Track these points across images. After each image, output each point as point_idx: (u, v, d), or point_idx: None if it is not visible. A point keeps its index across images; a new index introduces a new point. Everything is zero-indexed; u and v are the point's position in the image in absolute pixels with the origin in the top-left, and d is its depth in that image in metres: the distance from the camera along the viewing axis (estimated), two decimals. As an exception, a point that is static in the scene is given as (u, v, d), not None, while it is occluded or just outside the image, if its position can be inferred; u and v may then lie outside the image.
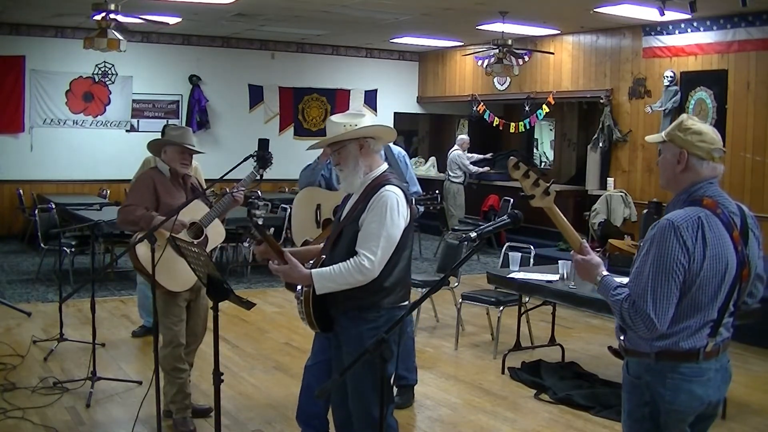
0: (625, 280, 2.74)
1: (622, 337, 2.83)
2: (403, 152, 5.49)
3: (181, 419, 4.69)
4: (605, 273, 2.76)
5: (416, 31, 12.33)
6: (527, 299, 6.59)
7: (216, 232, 4.76)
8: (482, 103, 13.66)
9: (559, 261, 6.07)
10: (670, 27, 10.42)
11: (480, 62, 13.31)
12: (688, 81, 10.23)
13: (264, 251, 3.42)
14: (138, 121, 12.84)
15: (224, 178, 4.53)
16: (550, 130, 15.70)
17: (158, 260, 4.02)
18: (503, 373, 6.09)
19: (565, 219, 2.78)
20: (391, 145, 5.08)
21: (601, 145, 11.41)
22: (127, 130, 12.73)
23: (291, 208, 9.15)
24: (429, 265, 10.85)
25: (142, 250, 4.41)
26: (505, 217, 2.92)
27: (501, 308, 6.58)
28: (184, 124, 12.67)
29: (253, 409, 5.22)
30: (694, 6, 8.02)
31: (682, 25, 10.26)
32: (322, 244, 3.64)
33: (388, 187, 3.34)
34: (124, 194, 9.82)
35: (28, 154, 12.05)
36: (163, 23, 10.51)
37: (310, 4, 9.99)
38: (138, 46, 12.30)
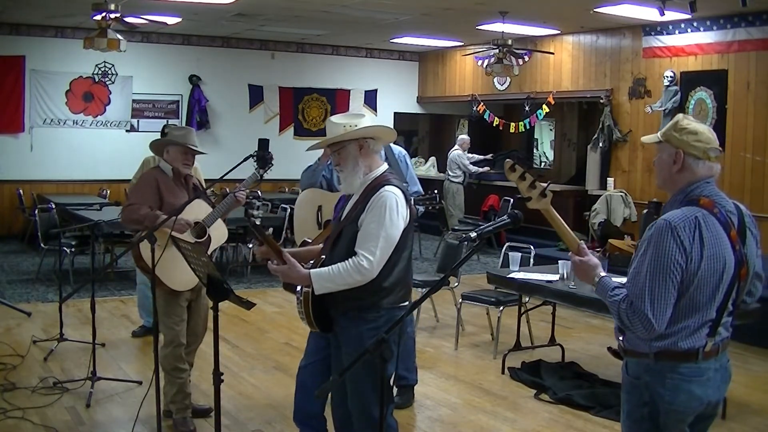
0: (624, 280, 2.74)
1: (621, 338, 2.83)
2: (404, 152, 5.49)
3: (181, 419, 4.69)
4: (603, 274, 2.76)
5: (416, 31, 12.34)
6: (527, 299, 6.60)
7: (219, 233, 4.78)
8: (482, 103, 13.66)
9: (559, 261, 6.07)
10: (670, 27, 10.42)
11: (480, 62, 13.31)
12: (688, 81, 10.24)
13: (265, 251, 3.42)
14: (138, 121, 12.84)
15: (224, 178, 4.54)
16: (550, 130, 15.70)
17: (161, 259, 4.03)
18: (503, 373, 6.09)
19: (562, 220, 2.78)
20: (391, 144, 5.08)
21: (601, 145, 11.41)
22: (127, 130, 12.74)
23: (291, 209, 9.21)
24: (429, 265, 10.86)
25: (147, 249, 4.42)
26: (505, 217, 2.92)
27: (501, 308, 6.58)
28: (184, 124, 12.68)
29: (253, 409, 5.22)
30: (694, 6, 8.03)
31: (682, 25, 10.26)
32: (321, 245, 3.64)
33: (387, 187, 3.34)
34: (124, 194, 9.88)
35: (28, 154, 12.05)
36: (162, 23, 10.51)
37: (310, 4, 9.99)
38: (138, 46, 12.31)
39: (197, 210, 4.63)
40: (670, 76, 10.34)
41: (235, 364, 6.16)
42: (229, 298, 3.32)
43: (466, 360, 6.54)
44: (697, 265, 2.61)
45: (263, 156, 4.64)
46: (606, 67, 11.55)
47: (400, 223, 3.32)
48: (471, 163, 12.56)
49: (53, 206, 9.55)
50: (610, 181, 11.29)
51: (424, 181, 9.58)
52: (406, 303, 3.49)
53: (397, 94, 15.14)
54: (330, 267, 3.28)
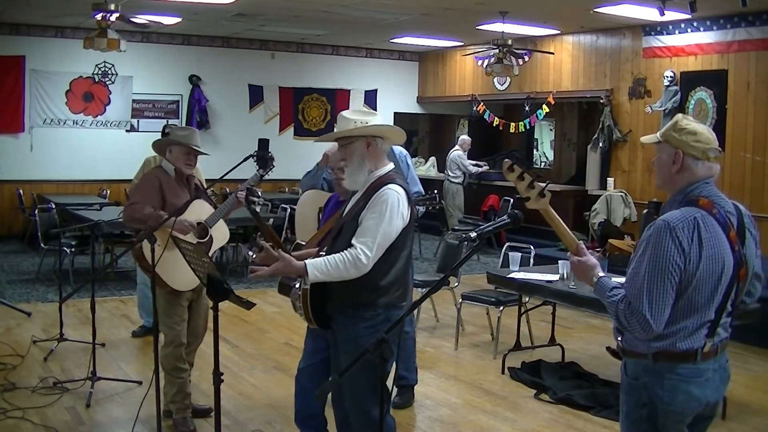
0: (623, 280, 2.74)
1: (619, 338, 2.83)
2: (405, 152, 5.49)
3: (181, 419, 4.69)
4: (601, 274, 2.76)
5: (416, 31, 12.34)
6: (527, 299, 6.60)
7: (221, 233, 4.79)
8: (482, 103, 13.66)
9: (559, 261, 6.06)
10: (670, 27, 10.42)
11: (480, 62, 13.31)
12: (688, 81, 10.24)
13: (264, 258, 3.42)
14: (138, 121, 12.85)
15: (224, 178, 4.54)
16: (550, 130, 15.70)
17: (163, 259, 4.04)
18: (503, 373, 6.09)
19: (560, 220, 2.78)
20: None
21: (601, 145, 11.41)
22: (127, 130, 12.74)
23: (291, 209, 9.21)
24: (429, 265, 10.86)
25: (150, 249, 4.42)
26: (505, 217, 2.91)
27: (501, 308, 6.58)
28: (184, 124, 12.69)
29: (253, 409, 5.22)
30: (694, 6, 8.03)
31: (682, 25, 10.26)
32: (316, 248, 3.64)
33: (391, 185, 3.34)
34: (124, 194, 9.88)
35: (28, 154, 12.05)
36: (159, 23, 10.51)
37: (310, 4, 9.99)
38: (138, 46, 12.31)
39: (199, 210, 4.64)
40: (670, 76, 10.34)
41: (235, 364, 6.16)
42: (229, 298, 3.32)
43: (466, 360, 6.54)
44: (696, 265, 2.61)
45: (263, 156, 4.64)
46: (606, 67, 11.55)
47: (399, 222, 3.31)
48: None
49: (53, 206, 9.56)
50: (610, 181, 11.29)
51: (424, 181, 9.56)
52: (405, 303, 3.49)
53: (397, 94, 15.14)
54: (325, 257, 3.28)
